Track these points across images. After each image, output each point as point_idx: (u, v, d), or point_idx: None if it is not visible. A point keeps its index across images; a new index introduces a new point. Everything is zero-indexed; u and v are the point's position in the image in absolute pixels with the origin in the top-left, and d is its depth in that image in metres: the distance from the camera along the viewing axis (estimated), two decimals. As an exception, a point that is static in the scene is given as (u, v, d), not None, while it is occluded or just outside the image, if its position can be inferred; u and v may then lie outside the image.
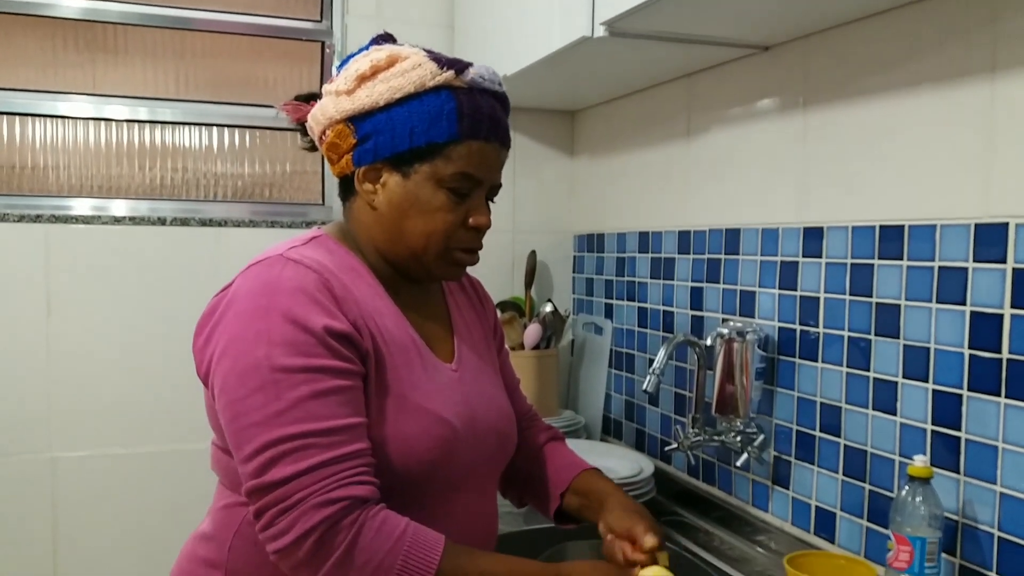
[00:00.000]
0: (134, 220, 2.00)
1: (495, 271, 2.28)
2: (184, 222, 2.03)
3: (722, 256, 1.69)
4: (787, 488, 1.50)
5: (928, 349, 1.22)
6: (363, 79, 1.03)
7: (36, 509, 1.93)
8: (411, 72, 1.01)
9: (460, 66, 1.03)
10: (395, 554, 0.89)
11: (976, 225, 1.15)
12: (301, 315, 0.93)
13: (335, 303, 0.97)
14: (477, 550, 0.98)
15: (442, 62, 1.02)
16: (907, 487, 1.14)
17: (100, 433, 1.96)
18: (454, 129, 1.01)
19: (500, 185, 1.10)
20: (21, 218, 1.91)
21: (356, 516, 0.89)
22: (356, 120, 1.03)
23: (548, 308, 2.15)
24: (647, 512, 1.10)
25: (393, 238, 1.06)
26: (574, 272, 2.38)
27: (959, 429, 1.17)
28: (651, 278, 1.96)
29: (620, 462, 1.80)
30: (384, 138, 1.02)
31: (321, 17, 2.18)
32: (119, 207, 2.03)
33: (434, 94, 1.01)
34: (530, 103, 2.27)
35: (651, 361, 1.94)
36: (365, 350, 0.98)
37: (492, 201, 1.10)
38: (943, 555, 1.15)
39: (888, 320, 1.29)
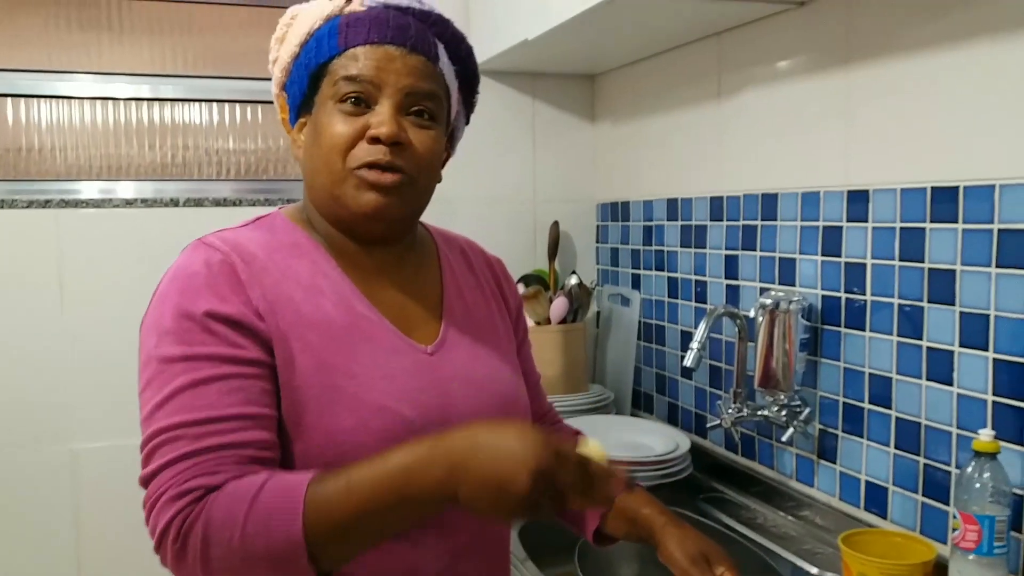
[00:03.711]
0: (146, 202, 1.94)
1: (517, 244, 2.22)
2: (197, 203, 1.97)
3: (758, 222, 1.62)
4: (834, 462, 1.45)
5: (988, 316, 1.16)
6: (279, 41, 1.02)
7: (58, 502, 1.90)
8: (306, 17, 0.98)
9: None
10: (253, 516, 0.77)
11: (1041, 184, 1.08)
12: (187, 301, 0.87)
13: (235, 285, 0.89)
14: (349, 465, 0.81)
15: None
16: (972, 463, 1.08)
17: (119, 423, 1.91)
18: (334, 43, 0.95)
19: (422, 94, 0.95)
20: (30, 204, 1.85)
21: (205, 501, 0.79)
22: (285, 87, 1.02)
23: (573, 280, 2.09)
24: (706, 539, 1.04)
25: (311, 184, 0.98)
26: (598, 242, 2.31)
27: (1025, 400, 1.11)
28: (681, 247, 1.90)
29: (655, 438, 1.75)
30: (294, 88, 0.99)
31: (330, -15, 2.10)
32: (128, 188, 1.98)
33: (325, 26, 0.97)
34: (548, 68, 2.19)
35: (683, 333, 1.90)
36: (267, 336, 0.88)
37: (422, 118, 0.96)
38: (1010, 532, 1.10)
39: (942, 286, 1.23)
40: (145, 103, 2.00)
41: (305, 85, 0.97)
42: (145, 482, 0.83)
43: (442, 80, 0.98)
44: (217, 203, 1.99)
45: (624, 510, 1.08)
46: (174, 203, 1.96)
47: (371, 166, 0.92)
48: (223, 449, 0.82)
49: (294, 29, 1.00)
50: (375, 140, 0.92)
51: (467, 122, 1.11)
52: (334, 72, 0.94)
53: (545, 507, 0.76)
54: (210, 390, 0.84)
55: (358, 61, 0.93)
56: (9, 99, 1.91)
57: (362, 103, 0.93)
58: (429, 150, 0.96)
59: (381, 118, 0.92)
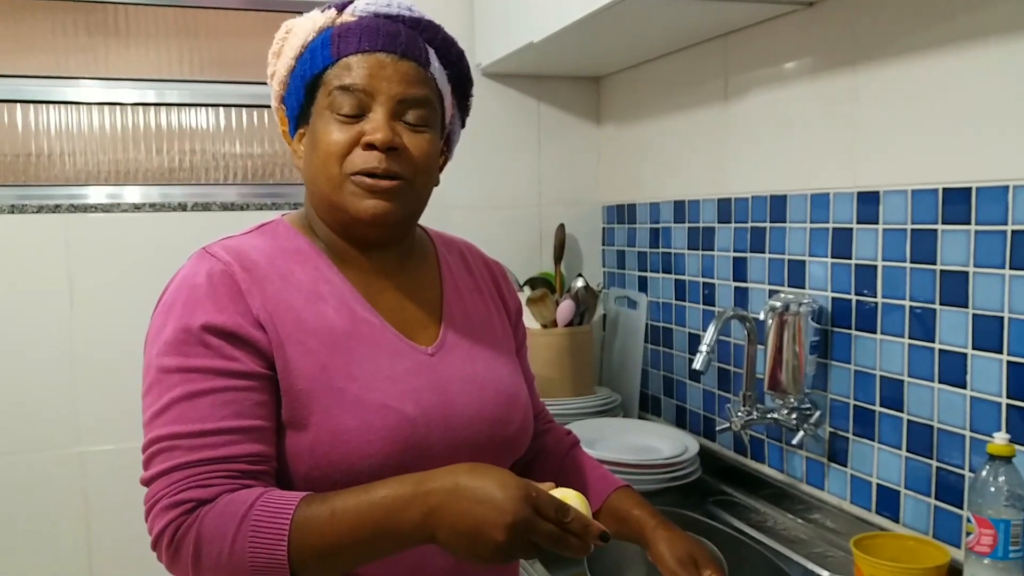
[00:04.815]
0: (154, 207, 1.94)
1: (523, 246, 2.21)
2: (205, 207, 1.97)
3: (767, 224, 1.61)
4: (844, 465, 1.44)
5: (1002, 318, 1.15)
6: (276, 55, 1.03)
7: (67, 505, 1.91)
8: (300, 30, 1.00)
9: (342, 4, 1.00)
10: (242, 533, 0.80)
11: (1055, 185, 1.07)
12: (187, 313, 0.89)
13: (235, 296, 0.91)
14: (339, 491, 0.84)
15: (326, 7, 1.01)
16: (987, 466, 1.07)
17: (127, 426, 1.91)
18: (327, 53, 0.96)
19: (415, 100, 0.96)
20: (39, 209, 1.86)
21: (198, 513, 0.83)
22: (284, 99, 1.03)
23: (580, 283, 2.09)
24: (695, 542, 1.04)
25: (311, 192, 1.00)
26: (603, 245, 2.30)
27: (1039, 403, 1.10)
28: (689, 249, 1.89)
29: (663, 441, 1.75)
30: (292, 100, 1.01)
31: (336, -12, 2.10)
32: (135, 193, 1.98)
33: (318, 38, 0.99)
34: (553, 71, 2.19)
35: (691, 335, 1.89)
36: (265, 346, 0.90)
37: (416, 123, 0.97)
38: (1025, 536, 1.09)
39: (954, 288, 1.22)
40: (152, 108, 2.00)
41: (302, 96, 0.99)
42: (146, 484, 0.87)
43: (434, 84, 1.00)
44: (224, 207, 1.99)
45: (616, 510, 1.09)
46: (181, 207, 1.96)
47: (367, 174, 0.94)
48: (215, 463, 0.85)
49: (289, 42, 1.01)
50: (370, 146, 0.94)
51: (463, 125, 1.12)
52: (328, 82, 0.96)
53: (521, 555, 0.78)
54: (204, 402, 0.87)
55: (351, 70, 0.95)
56: (18, 105, 1.91)
57: (356, 113, 0.95)
58: (424, 153, 0.98)
59: (375, 124, 0.94)
